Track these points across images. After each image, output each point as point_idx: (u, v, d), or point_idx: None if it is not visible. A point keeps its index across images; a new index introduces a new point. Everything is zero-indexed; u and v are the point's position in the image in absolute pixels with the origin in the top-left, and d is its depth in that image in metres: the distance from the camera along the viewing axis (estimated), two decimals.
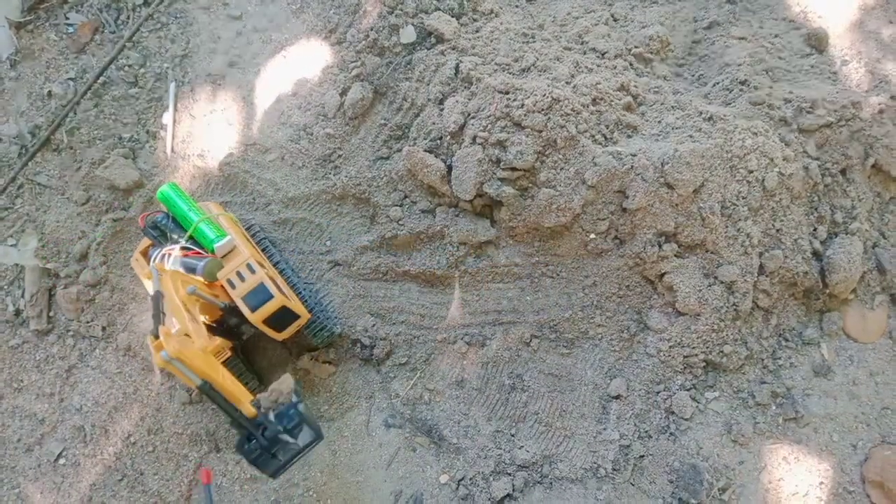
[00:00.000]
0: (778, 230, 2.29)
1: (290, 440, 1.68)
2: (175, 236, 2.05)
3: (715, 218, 2.17)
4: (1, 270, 2.56)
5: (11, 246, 2.57)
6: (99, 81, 2.70)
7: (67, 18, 2.84)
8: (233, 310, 1.99)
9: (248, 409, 1.67)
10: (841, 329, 2.39)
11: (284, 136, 2.56)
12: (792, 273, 2.27)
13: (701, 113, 2.32)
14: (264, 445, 1.66)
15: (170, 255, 1.93)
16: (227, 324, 2.05)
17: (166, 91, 2.67)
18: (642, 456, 2.21)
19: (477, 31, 2.57)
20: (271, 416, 1.69)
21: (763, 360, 2.33)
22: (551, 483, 2.19)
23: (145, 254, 2.15)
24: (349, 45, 2.58)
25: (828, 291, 2.34)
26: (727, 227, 2.22)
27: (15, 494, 2.33)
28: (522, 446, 2.23)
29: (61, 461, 2.35)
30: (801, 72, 2.60)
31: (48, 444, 2.37)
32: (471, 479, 2.21)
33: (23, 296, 2.51)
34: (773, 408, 2.27)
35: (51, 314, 2.51)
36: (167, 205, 2.13)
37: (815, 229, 2.37)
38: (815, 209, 2.37)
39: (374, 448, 2.27)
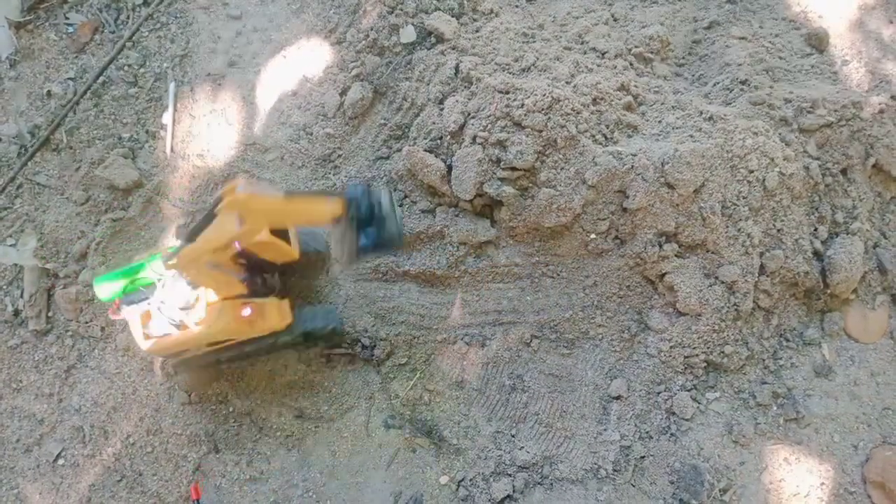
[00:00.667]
0: (779, 230, 2.28)
1: (385, 206, 1.74)
2: (146, 293, 1.97)
3: (715, 218, 2.17)
4: (0, 270, 2.55)
5: (10, 246, 2.56)
6: (98, 81, 2.70)
7: (67, 18, 2.84)
8: (253, 266, 1.96)
9: (334, 205, 1.68)
10: (842, 329, 2.38)
11: (284, 136, 2.56)
12: (793, 273, 2.27)
13: (701, 113, 2.32)
14: (370, 221, 1.71)
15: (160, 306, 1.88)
16: (253, 287, 2.01)
17: (166, 91, 2.67)
18: (643, 457, 2.21)
19: (477, 31, 2.56)
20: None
21: (764, 360, 2.33)
22: (552, 484, 2.19)
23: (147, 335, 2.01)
24: (349, 45, 2.58)
25: (829, 291, 2.33)
26: (728, 227, 2.21)
27: (14, 495, 2.32)
28: (523, 447, 2.23)
29: (60, 462, 2.34)
30: (801, 72, 2.60)
31: (47, 444, 2.37)
32: (471, 479, 2.21)
33: (22, 296, 2.50)
34: (774, 408, 2.27)
35: (50, 314, 2.50)
36: (114, 280, 2.00)
37: (815, 229, 2.37)
38: (816, 209, 2.37)
39: (373, 449, 2.26)
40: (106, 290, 2.00)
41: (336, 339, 2.27)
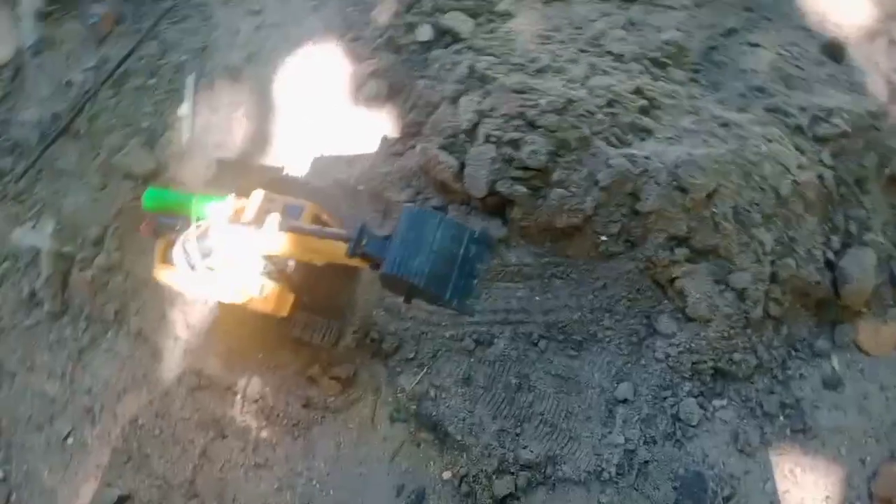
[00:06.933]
0: (791, 238, 2.27)
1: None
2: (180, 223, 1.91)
3: (728, 224, 2.17)
4: (18, 253, 2.60)
5: (29, 229, 2.61)
6: (118, 71, 2.75)
7: (89, 9, 2.90)
8: None
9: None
10: (852, 341, 2.36)
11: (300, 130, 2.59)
12: (804, 282, 2.26)
13: (716, 118, 2.31)
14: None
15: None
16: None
17: (184, 83, 2.71)
18: (647, 461, 2.19)
19: (493, 32, 2.58)
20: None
21: (772, 369, 2.31)
22: (554, 484, 2.18)
23: (164, 259, 1.96)
24: (365, 42, 2.61)
25: (840, 302, 2.32)
26: (740, 233, 2.21)
27: (24, 471, 2.36)
28: (527, 446, 2.22)
29: (69, 441, 2.37)
30: (817, 80, 2.59)
31: (58, 423, 2.40)
32: (474, 476, 2.20)
33: (38, 278, 2.55)
34: (781, 418, 2.25)
35: (65, 297, 2.54)
36: (159, 203, 1.98)
37: (828, 239, 2.35)
38: (829, 219, 2.36)
39: (378, 441, 2.27)
40: (154, 196, 2.02)
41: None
